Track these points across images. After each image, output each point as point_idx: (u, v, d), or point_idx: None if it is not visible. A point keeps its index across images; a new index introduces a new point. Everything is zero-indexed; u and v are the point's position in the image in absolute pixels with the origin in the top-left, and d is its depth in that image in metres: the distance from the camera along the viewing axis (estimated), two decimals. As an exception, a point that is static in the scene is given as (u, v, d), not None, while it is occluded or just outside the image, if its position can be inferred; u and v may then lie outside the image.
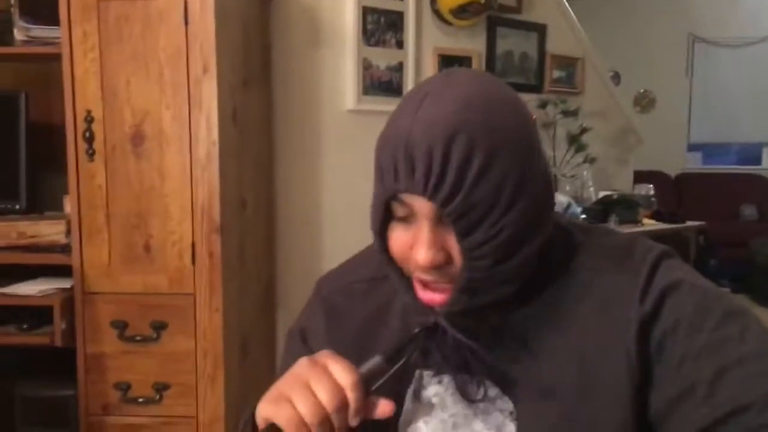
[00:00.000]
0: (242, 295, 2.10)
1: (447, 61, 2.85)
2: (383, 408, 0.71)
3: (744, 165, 6.72)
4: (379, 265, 0.82)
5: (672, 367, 0.71)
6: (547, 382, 0.75)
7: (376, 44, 2.63)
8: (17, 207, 2.13)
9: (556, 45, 3.32)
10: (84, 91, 1.88)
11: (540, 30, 3.24)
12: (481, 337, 0.77)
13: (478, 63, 2.95)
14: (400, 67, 2.69)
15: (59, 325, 1.87)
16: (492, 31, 3.03)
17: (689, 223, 3.53)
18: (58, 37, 1.91)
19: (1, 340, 1.92)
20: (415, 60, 2.72)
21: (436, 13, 2.80)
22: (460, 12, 2.79)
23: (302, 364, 0.71)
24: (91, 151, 1.89)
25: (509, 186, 0.69)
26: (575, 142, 3.29)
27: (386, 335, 0.84)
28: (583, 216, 2.96)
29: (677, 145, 6.68)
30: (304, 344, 0.91)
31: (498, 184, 0.69)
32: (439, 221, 0.71)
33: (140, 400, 1.92)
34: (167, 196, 1.89)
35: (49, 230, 1.97)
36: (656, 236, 3.19)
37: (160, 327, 1.90)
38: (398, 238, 0.74)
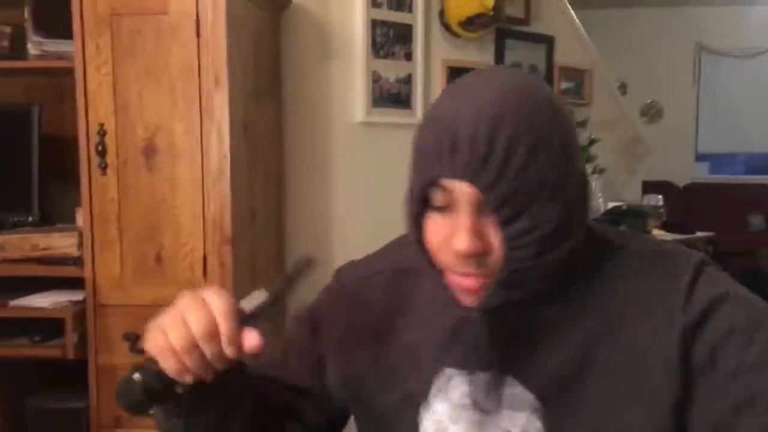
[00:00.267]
0: (253, 306, 2.10)
1: (455, 73, 2.86)
2: (251, 341, 0.69)
3: (752, 175, 6.70)
4: (400, 258, 0.82)
5: (724, 379, 0.70)
6: (579, 386, 0.74)
7: (385, 56, 2.64)
8: (30, 219, 2.14)
9: (564, 56, 3.33)
10: (97, 104, 1.89)
11: (548, 42, 3.25)
12: (513, 335, 0.76)
13: (487, 75, 2.96)
14: (408, 80, 2.70)
15: (71, 337, 1.87)
16: (500, 43, 3.03)
17: (699, 234, 3.52)
18: (71, 52, 1.92)
19: (14, 352, 1.93)
20: (423, 72, 2.73)
21: (445, 25, 2.81)
22: (468, 24, 2.80)
23: (182, 298, 0.70)
24: (103, 165, 1.90)
25: (552, 176, 0.68)
26: (584, 153, 3.29)
27: (405, 329, 0.83)
28: (592, 227, 2.95)
29: (685, 155, 6.67)
30: (314, 329, 0.89)
31: (542, 173, 0.68)
32: (480, 209, 0.69)
33: (151, 412, 1.92)
34: (178, 208, 1.90)
35: (62, 243, 1.98)
36: (666, 247, 3.19)
37: (171, 339, 1.90)
38: (435, 227, 0.72)
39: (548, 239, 0.69)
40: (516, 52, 3.11)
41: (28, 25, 2.10)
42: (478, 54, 2.95)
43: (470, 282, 0.72)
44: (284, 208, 2.54)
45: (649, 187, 3.91)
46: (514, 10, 3.04)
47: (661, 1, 6.32)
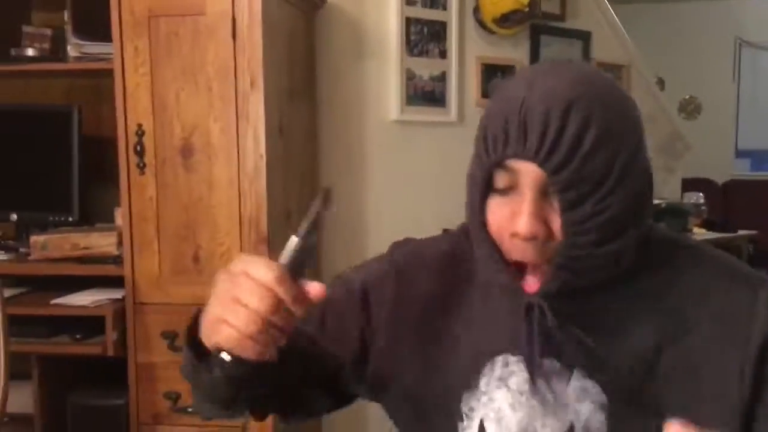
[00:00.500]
0: (288, 305, 2.11)
1: (490, 70, 2.83)
2: (314, 291, 0.68)
3: (794, 171, 6.55)
4: (456, 244, 0.82)
5: None
6: (644, 383, 0.74)
7: (420, 54, 2.62)
8: (70, 219, 2.18)
9: (600, 52, 3.27)
10: (135, 105, 1.91)
11: (584, 37, 3.20)
12: (576, 323, 0.75)
13: (522, 71, 2.93)
14: (443, 77, 2.68)
15: (111, 335, 1.90)
16: (535, 40, 2.99)
17: (740, 232, 3.44)
18: (110, 53, 1.95)
19: (55, 349, 1.97)
20: (458, 69, 2.71)
21: (479, 22, 2.78)
22: (503, 21, 2.77)
23: (222, 281, 0.68)
24: (141, 164, 1.92)
25: (619, 165, 0.69)
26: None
27: (455, 315, 0.83)
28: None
29: (725, 151, 6.53)
30: (363, 301, 0.86)
31: (609, 160, 0.69)
32: (543, 193, 0.70)
33: (190, 409, 1.94)
34: (215, 208, 1.92)
35: (102, 242, 2.01)
36: (706, 246, 3.13)
37: (208, 337, 1.92)
38: (498, 209, 0.73)
39: (609, 227, 0.70)
40: (552, 48, 3.06)
41: (68, 28, 2.13)
42: (513, 51, 2.92)
43: (533, 280, 0.73)
44: (319, 207, 2.54)
45: (688, 185, 3.85)
46: (549, 5, 3.00)
47: (699, -6, 6.20)
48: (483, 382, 0.79)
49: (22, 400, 2.07)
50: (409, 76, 2.61)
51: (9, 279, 1.96)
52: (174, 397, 1.94)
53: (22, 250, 2.11)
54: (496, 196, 0.73)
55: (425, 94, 2.65)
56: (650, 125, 3.32)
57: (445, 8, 2.67)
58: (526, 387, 0.77)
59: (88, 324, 1.93)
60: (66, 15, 2.15)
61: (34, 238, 2.02)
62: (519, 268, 0.75)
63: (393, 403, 0.87)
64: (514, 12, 2.72)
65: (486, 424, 0.79)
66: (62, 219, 2.18)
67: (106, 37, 1.96)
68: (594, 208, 0.69)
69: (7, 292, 1.82)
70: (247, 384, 0.68)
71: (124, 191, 1.94)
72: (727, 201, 5.97)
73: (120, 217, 1.99)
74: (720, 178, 6.24)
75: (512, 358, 0.79)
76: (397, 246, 0.92)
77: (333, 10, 2.51)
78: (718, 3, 6.32)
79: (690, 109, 6.47)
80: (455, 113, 2.66)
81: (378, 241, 2.54)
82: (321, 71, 2.53)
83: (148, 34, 1.89)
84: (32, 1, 2.37)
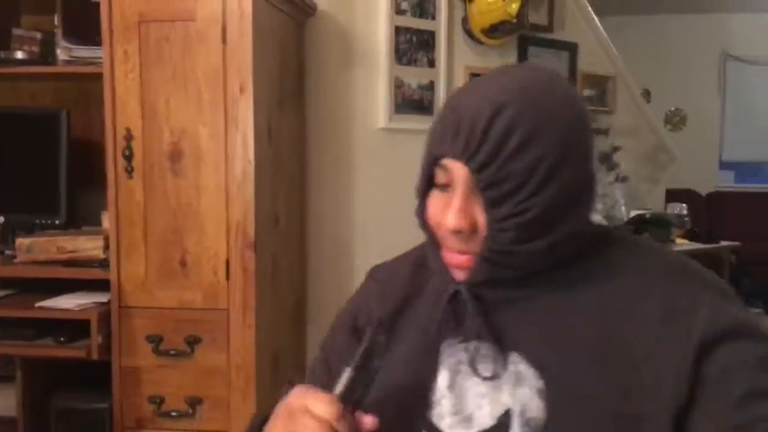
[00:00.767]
0: (274, 310, 2.12)
1: (478, 79, 2.86)
2: (366, 425, 0.72)
3: (778, 184, 6.62)
4: (424, 254, 0.86)
5: (731, 400, 0.70)
6: (584, 371, 0.75)
7: (408, 63, 2.65)
8: (57, 222, 2.18)
9: (587, 64, 3.31)
10: (124, 109, 1.92)
11: (571, 49, 3.24)
12: (510, 310, 0.79)
13: (509, 82, 2.96)
14: (431, 86, 2.71)
15: (96, 338, 1.90)
16: (523, 50, 3.03)
17: (723, 243, 3.48)
18: (100, 57, 1.96)
19: (39, 352, 1.96)
20: (446, 78, 2.73)
21: (468, 32, 2.81)
22: (491, 31, 2.80)
23: (282, 416, 0.72)
24: (129, 168, 1.93)
25: (544, 168, 0.72)
26: (606, 161, 3.28)
27: (416, 309, 0.88)
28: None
29: (709, 163, 6.60)
30: (353, 329, 0.93)
31: (533, 163, 0.72)
32: (473, 191, 0.75)
33: (173, 413, 1.95)
34: (203, 213, 1.92)
35: (88, 245, 2.01)
36: (690, 256, 3.16)
37: (194, 342, 1.93)
38: (434, 202, 0.79)
39: (530, 227, 0.73)
40: (539, 59, 3.10)
41: (58, 31, 2.14)
42: (500, 60, 2.95)
43: (459, 259, 0.78)
44: (306, 213, 2.56)
45: (672, 196, 3.88)
46: (537, 17, 3.04)
47: (686, 7, 6.26)
48: (440, 370, 0.83)
49: (6, 402, 2.07)
50: (398, 85, 2.63)
51: (-6, 281, 1.96)
52: (158, 401, 1.95)
53: (7, 252, 2.11)
54: (437, 191, 0.79)
55: (413, 103, 2.67)
56: (635, 136, 3.37)
57: (434, 18, 2.69)
58: (462, 367, 0.81)
59: (73, 327, 1.93)
60: (56, 18, 2.15)
61: (19, 241, 2.01)
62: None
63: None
64: (503, 23, 2.75)
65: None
66: (49, 222, 2.17)
67: (96, 41, 1.96)
68: (514, 209, 0.73)
69: (-8, 295, 1.82)
70: None
71: (112, 195, 1.94)
72: (711, 212, 6.03)
73: (107, 220, 1.99)
74: (704, 189, 6.30)
75: (452, 341, 0.82)
76: (375, 268, 1.00)
77: (323, 18, 2.53)
78: (704, 17, 6.39)
79: (675, 120, 6.54)
80: (443, 122, 2.68)
81: (365, 248, 2.58)
82: (310, 78, 2.54)
83: (138, 38, 1.90)
84: (22, 4, 2.37)
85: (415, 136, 2.71)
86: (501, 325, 0.79)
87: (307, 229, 2.56)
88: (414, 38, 2.66)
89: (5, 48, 2.19)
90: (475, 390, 0.79)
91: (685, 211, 3.39)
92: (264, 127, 2.00)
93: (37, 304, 1.95)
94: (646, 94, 5.30)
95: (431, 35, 2.70)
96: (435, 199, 0.79)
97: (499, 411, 0.77)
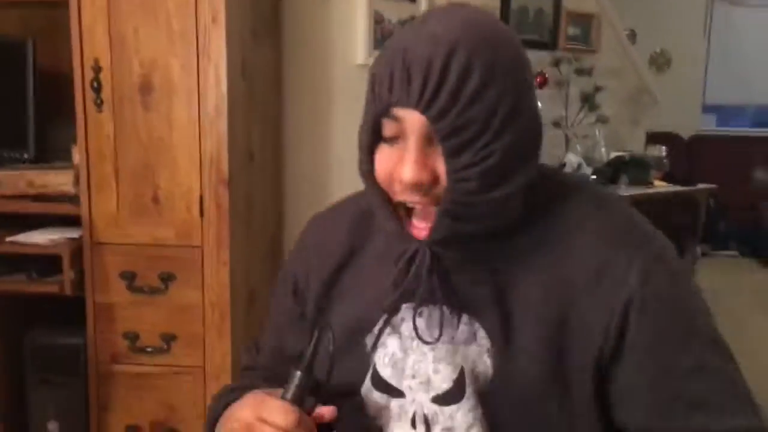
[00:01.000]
0: (249, 247, 2.11)
1: (460, 15, 2.80)
2: (326, 414, 0.74)
3: (759, 128, 6.63)
4: (365, 201, 0.82)
5: (648, 350, 0.74)
6: (528, 332, 0.76)
7: (389, -3, 2.57)
8: (25, 156, 2.13)
9: (572, 1, 3.25)
10: (91, 39, 1.85)
11: (556, -16, 3.18)
12: (464, 271, 0.77)
13: (492, 18, 2.90)
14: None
15: (68, 274, 1.88)
16: (507, -15, 2.96)
17: (700, 186, 3.50)
18: (66, -16, 1.87)
19: (11, 287, 1.94)
20: (427, 14, 2.67)
21: (451, -35, 2.73)
22: (474, -35, 2.72)
23: (242, 426, 0.73)
24: (99, 101, 1.87)
25: (502, 111, 0.69)
26: (588, 101, 3.25)
27: (363, 264, 0.86)
28: (594, 176, 2.94)
29: (692, 106, 6.58)
30: (294, 293, 0.92)
31: (492, 106, 0.68)
32: (428, 140, 0.70)
33: (148, 349, 1.94)
34: (175, 148, 1.88)
35: (58, 180, 1.97)
36: (667, 198, 3.17)
37: (167, 278, 1.91)
38: (384, 157, 0.74)
39: (493, 174, 0.70)
40: (523, -7, 3.03)
41: (22, -44, 2.04)
42: (484, -4, 2.88)
43: (421, 226, 0.75)
44: (283, 149, 2.52)
45: (654, 138, 3.88)
46: (522, -49, 2.96)
47: (675, -54, 6.14)
48: (384, 331, 0.81)
49: (-22, 338, 2.06)
50: (377, 20, 2.56)
51: (-39, 216, 1.92)
52: (132, 337, 1.94)
53: (-25, 187, 2.06)
54: (384, 145, 0.73)
55: (393, 38, 2.61)
56: (617, 78, 3.35)
57: (415, -50, 2.61)
58: (416, 333, 0.79)
59: (45, 263, 1.90)
60: (19, -58, 2.06)
61: (-13, 175, 1.97)
62: (409, 214, 0.76)
63: None
64: (486, -44, 2.68)
65: (380, 370, 0.81)
66: (17, 156, 2.12)
67: (62, -33, 1.88)
68: (477, 155, 0.69)
69: (-40, 229, 1.78)
70: None
71: (81, 129, 1.89)
72: (692, 155, 6.06)
73: (77, 155, 1.94)
74: (687, 132, 6.30)
75: (404, 305, 0.80)
76: (312, 220, 0.97)
77: (300, -53, 2.44)
78: (693, -44, 6.29)
79: (660, 62, 6.48)
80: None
81: (340, 184, 2.55)
82: (287, 11, 2.47)
83: (105, -36, 1.82)
84: (-16, -73, 2.26)
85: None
86: (455, 286, 0.78)
87: (283, 165, 2.53)
88: (395, -29, 2.58)
89: (-34, -27, 2.10)
90: (431, 354, 0.79)
91: (664, 153, 3.38)
92: (237, 60, 1.94)
93: (8, 239, 1.91)
94: (632, 35, 5.23)
95: (412, -32, 2.62)
96: (383, 153, 0.74)
97: (455, 372, 0.78)
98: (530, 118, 0.73)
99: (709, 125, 6.70)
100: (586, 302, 0.74)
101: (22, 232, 1.94)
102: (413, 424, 0.80)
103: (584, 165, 2.97)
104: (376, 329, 0.80)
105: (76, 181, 1.94)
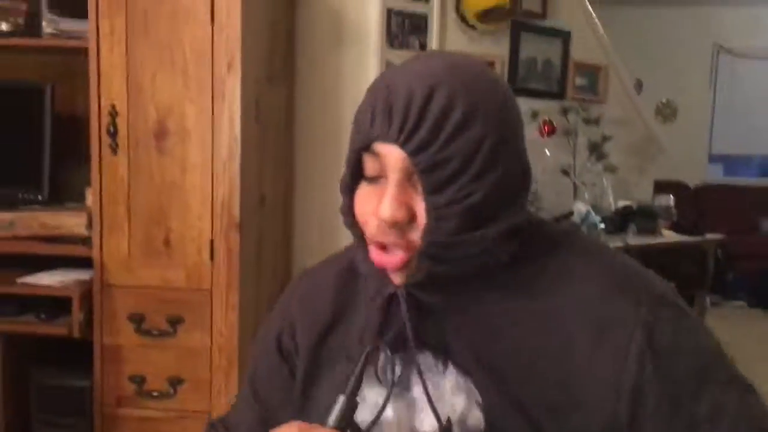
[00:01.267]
0: (258, 291, 2.11)
1: (470, 65, 2.85)
2: None
3: (765, 178, 6.65)
4: (352, 256, 0.80)
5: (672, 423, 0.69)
6: (520, 382, 0.71)
7: (400, 46, 2.62)
8: (39, 198, 2.15)
9: (580, 52, 3.30)
10: (109, 85, 1.89)
11: (564, 36, 3.23)
12: (446, 317, 0.74)
13: (501, 68, 2.94)
14: (422, 70, 2.69)
15: (77, 316, 1.88)
16: (516, 36, 3.01)
17: (708, 236, 3.49)
18: (85, 31, 1.92)
19: (20, 328, 1.95)
20: (437, 63, 2.72)
21: (461, 16, 2.79)
22: (484, 16, 2.78)
23: None
24: (114, 145, 1.90)
25: (485, 150, 0.67)
26: (596, 150, 3.27)
27: (349, 320, 0.82)
28: (602, 225, 2.94)
29: (698, 155, 6.61)
30: (279, 351, 0.88)
31: (475, 144, 0.67)
32: (409, 179, 0.68)
33: (155, 393, 1.93)
34: (188, 191, 1.90)
35: (71, 222, 1.99)
36: (675, 248, 3.17)
37: (176, 321, 1.91)
38: (364, 196, 0.72)
39: (473, 214, 0.67)
40: (531, 45, 3.08)
41: (43, 3, 2.10)
42: (493, 47, 2.94)
43: (393, 259, 0.71)
44: (293, 194, 2.54)
45: (661, 187, 3.89)
46: (531, 3, 3.02)
47: (680, 0, 6.25)
48: (365, 380, 0.76)
49: (-15, 378, 2.05)
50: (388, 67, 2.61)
51: (-26, 256, 1.93)
52: (139, 381, 1.93)
53: (-11, 227, 2.08)
54: (366, 184, 0.72)
55: (404, 86, 2.65)
56: (625, 127, 3.37)
57: (427, 1, 2.67)
58: (400, 381, 0.76)
59: (55, 304, 1.91)
60: (42, -10, 2.11)
61: (1, 216, 1.98)
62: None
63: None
64: (496, 8, 2.74)
65: (360, 421, 0.76)
66: (31, 197, 2.14)
67: (82, 15, 1.93)
68: (457, 193, 0.67)
69: (-28, 269, 1.80)
70: None
71: (96, 172, 1.91)
72: (699, 205, 6.06)
73: (91, 197, 1.96)
74: (693, 181, 6.32)
75: (387, 352, 0.77)
76: (299, 276, 0.94)
77: (314, -3, 2.50)
78: (697, 9, 6.39)
79: (667, 112, 6.54)
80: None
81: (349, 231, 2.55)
82: (300, 58, 2.52)
83: (125, 12, 1.87)
84: (8, -25, 2.33)
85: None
86: (438, 332, 0.74)
87: (293, 209, 2.55)
88: (406, 21, 2.64)
89: (-11, 19, 2.15)
90: (415, 403, 0.76)
91: (672, 203, 3.39)
92: (251, 105, 1.97)
93: (19, 280, 1.92)
94: (639, 85, 5.29)
95: (424, 19, 2.68)
96: (363, 192, 0.72)
97: (442, 422, 0.74)
98: (516, 162, 0.71)
99: (716, 175, 6.73)
100: (588, 361, 0.70)
101: (34, 273, 1.95)
102: None
103: (592, 213, 2.97)
104: (353, 378, 0.74)
105: (89, 223, 1.96)
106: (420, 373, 0.74)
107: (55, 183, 2.18)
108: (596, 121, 3.26)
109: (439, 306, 0.74)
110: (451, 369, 0.75)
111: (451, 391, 0.74)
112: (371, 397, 0.77)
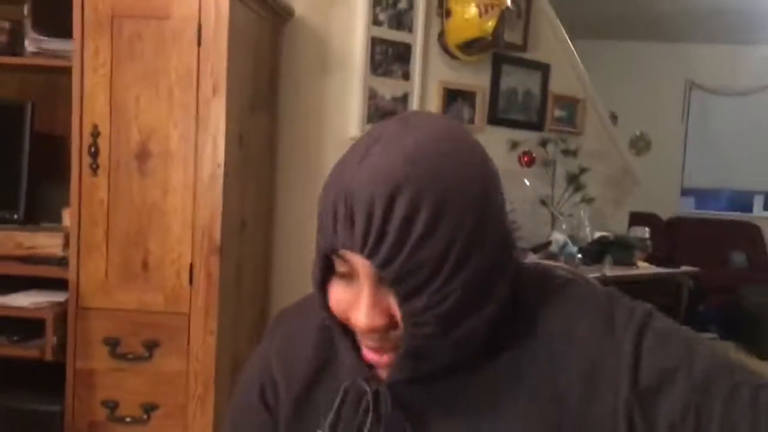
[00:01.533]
0: (237, 316, 2.09)
1: (452, 94, 2.87)
2: None
3: (735, 212, 6.78)
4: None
5: None
6: None
7: (383, 74, 2.65)
8: (15, 217, 2.12)
9: (558, 84, 3.35)
10: (92, 105, 1.88)
11: (544, 69, 3.28)
12: (434, 414, 0.71)
13: (482, 98, 2.98)
14: (404, 99, 2.71)
15: (51, 339, 1.85)
16: (497, 68, 3.06)
17: (683, 268, 3.54)
18: (69, 51, 1.91)
19: (-9, 350, 1.90)
20: (420, 92, 2.74)
21: (443, 47, 2.82)
22: (466, 47, 2.81)
23: None
24: (95, 166, 1.88)
25: (457, 249, 0.63)
26: (574, 181, 3.31)
27: (325, 391, 0.79)
28: (579, 255, 2.97)
29: (671, 188, 6.73)
30: (264, 403, 0.85)
31: (444, 246, 0.62)
32: (381, 281, 0.65)
33: (127, 419, 1.90)
34: (168, 214, 1.89)
35: (47, 242, 1.96)
36: (651, 280, 3.21)
37: (152, 346, 1.88)
38: (338, 295, 0.68)
39: (450, 316, 0.64)
40: (512, 77, 3.13)
41: (27, 22, 2.08)
42: (474, 77, 2.97)
43: (383, 359, 0.69)
44: (273, 219, 2.53)
45: (635, 219, 3.94)
46: (512, 36, 3.07)
47: (654, 36, 6.40)
48: None
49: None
50: (371, 95, 2.62)
51: (-54, 275, 1.89)
52: (112, 406, 1.89)
53: (-38, 246, 2.04)
54: (339, 279, 0.68)
55: (386, 114, 2.67)
56: (602, 159, 3.41)
57: (410, 31, 2.70)
58: None
59: (28, 326, 1.87)
60: (26, 9, 2.10)
61: (-25, 235, 1.95)
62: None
63: None
64: (478, 40, 2.77)
65: None
66: (7, 216, 2.11)
67: (66, 34, 1.92)
68: (431, 299, 0.63)
69: (-56, 289, 1.75)
70: None
71: (75, 192, 1.89)
72: (671, 237, 6.15)
73: (68, 217, 1.94)
74: (666, 214, 6.42)
75: None
76: (277, 320, 0.90)
77: (300, 23, 2.52)
78: (671, 46, 6.54)
79: (640, 145, 6.66)
80: (415, 135, 2.68)
81: (331, 257, 2.55)
82: (284, 84, 2.53)
83: (111, 34, 1.86)
84: (-9, -8, 2.31)
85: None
86: (425, 427, 0.71)
87: (273, 235, 2.53)
88: (390, 50, 2.66)
89: (-29, 36, 2.13)
90: None
91: (647, 235, 3.43)
92: (235, 131, 1.97)
93: (-9, 301, 1.88)
94: (614, 118, 5.38)
95: (407, 48, 2.70)
96: (338, 290, 0.68)
97: None
98: (496, 241, 0.67)
99: (687, 207, 6.84)
100: (581, 418, 0.67)
101: (7, 293, 1.91)
102: None
103: (570, 244, 3.00)
104: None
105: (66, 244, 1.93)
106: None
107: (32, 203, 2.15)
108: (574, 153, 3.31)
109: (424, 397, 0.72)
110: None
111: None
112: None
